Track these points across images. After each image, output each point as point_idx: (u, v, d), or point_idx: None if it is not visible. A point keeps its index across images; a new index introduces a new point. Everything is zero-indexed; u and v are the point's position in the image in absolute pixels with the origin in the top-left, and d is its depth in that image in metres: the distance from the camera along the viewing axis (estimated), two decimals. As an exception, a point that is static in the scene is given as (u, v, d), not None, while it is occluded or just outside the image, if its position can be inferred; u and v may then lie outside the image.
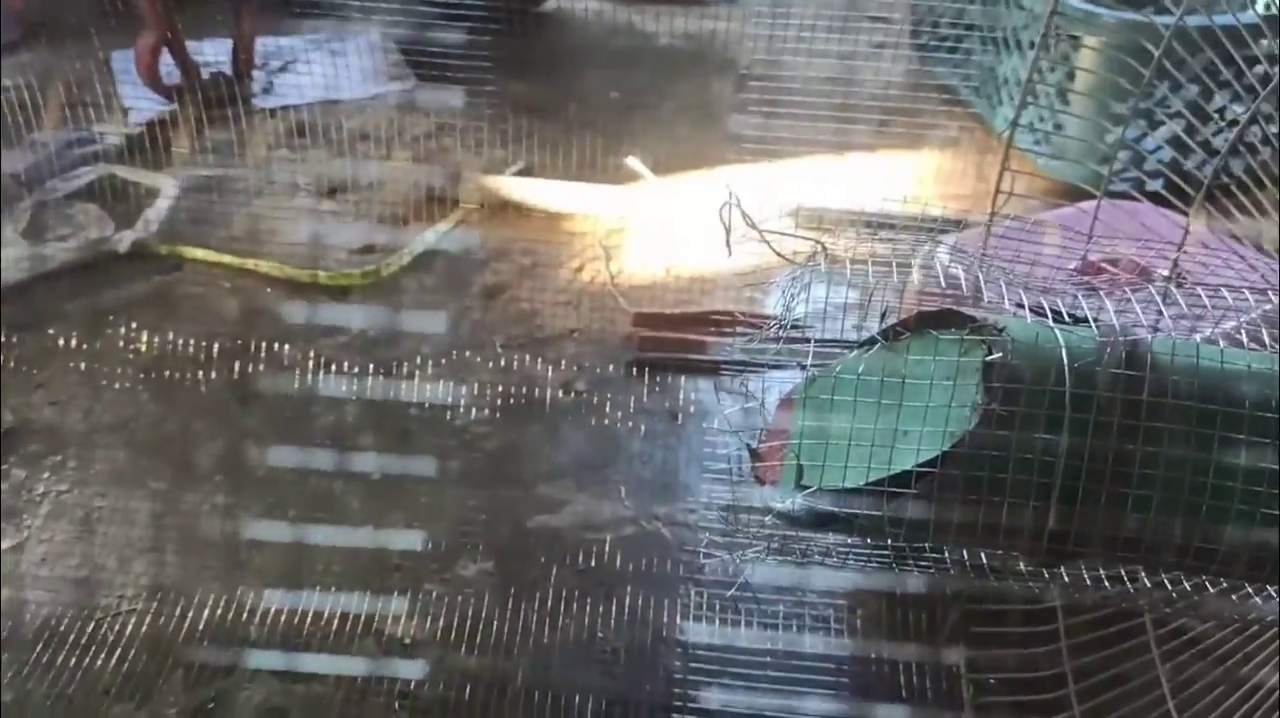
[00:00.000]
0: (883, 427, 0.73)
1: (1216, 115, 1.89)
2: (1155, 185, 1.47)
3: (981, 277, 0.96)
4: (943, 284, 1.12)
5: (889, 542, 0.78)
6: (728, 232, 0.83)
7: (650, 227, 2.13)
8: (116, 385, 1.67)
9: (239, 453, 1.56)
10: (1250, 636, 0.99)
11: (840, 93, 2.20)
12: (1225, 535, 0.68)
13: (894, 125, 2.31)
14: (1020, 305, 0.80)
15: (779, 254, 0.83)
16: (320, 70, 2.54)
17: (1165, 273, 1.12)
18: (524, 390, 1.71)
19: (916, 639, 1.28)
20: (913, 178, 2.30)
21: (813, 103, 2.08)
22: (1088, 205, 1.34)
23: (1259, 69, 1.22)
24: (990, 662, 1.21)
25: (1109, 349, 0.71)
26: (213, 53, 2.51)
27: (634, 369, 1.77)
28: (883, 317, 0.84)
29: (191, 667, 1.24)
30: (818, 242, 0.86)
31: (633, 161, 2.25)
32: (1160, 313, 0.87)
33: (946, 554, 0.84)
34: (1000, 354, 0.71)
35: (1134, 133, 2.09)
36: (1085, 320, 0.77)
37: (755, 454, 0.86)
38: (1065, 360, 0.70)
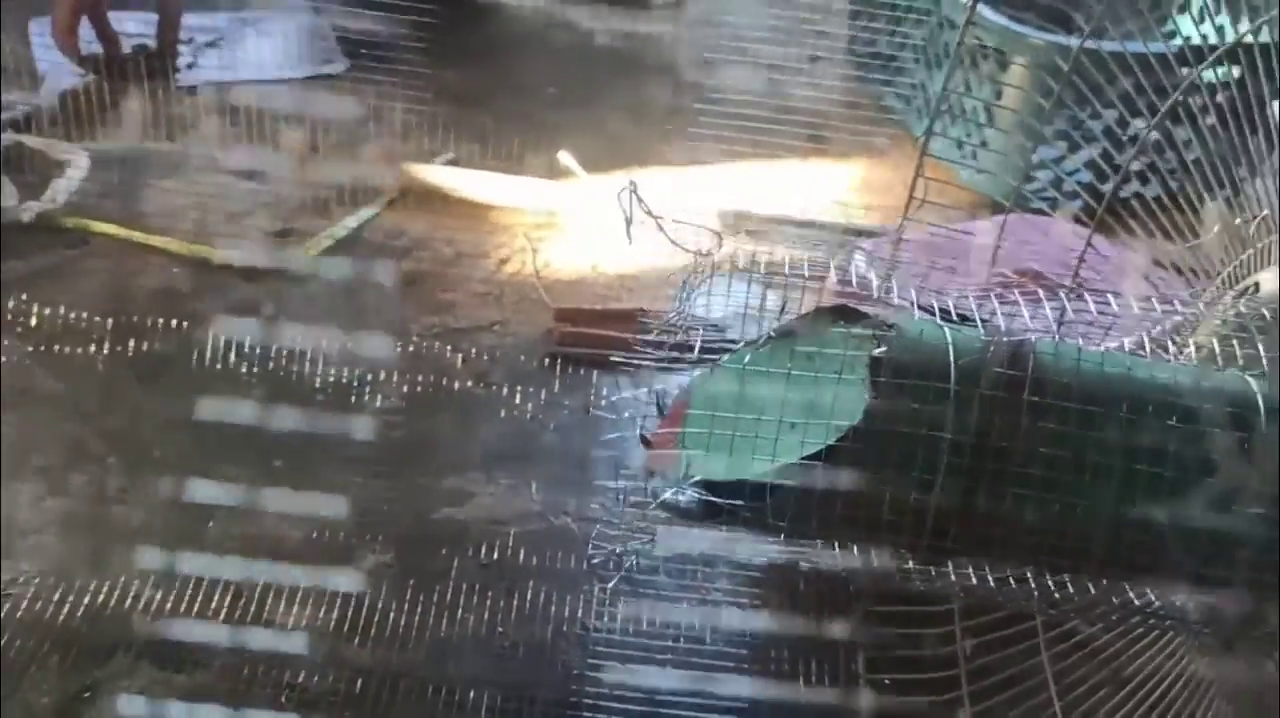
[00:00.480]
0: (770, 419, 0.73)
1: (1129, 142, 1.94)
2: (1073, 206, 1.50)
3: (890, 278, 0.96)
4: (854, 284, 1.13)
5: (777, 535, 0.77)
6: (627, 221, 0.82)
7: (578, 223, 2.12)
8: (7, 360, 1.60)
9: (135, 434, 1.51)
10: (1131, 637, 1.00)
11: (775, 103, 2.21)
12: (1099, 533, 0.69)
13: (826, 136, 2.33)
14: (913, 304, 0.80)
15: (678, 245, 0.82)
16: (248, 49, 2.48)
17: (1067, 283, 1.14)
18: (436, 381, 1.68)
19: (817, 641, 1.28)
20: (841, 187, 2.32)
21: (747, 111, 2.09)
22: (1000, 218, 1.36)
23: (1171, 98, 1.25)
24: (888, 663, 1.22)
25: (992, 348, 0.72)
26: (136, 25, 2.44)
27: (552, 364, 1.75)
28: (781, 311, 0.84)
29: (68, 654, 1.19)
30: (716, 234, 0.86)
31: (564, 157, 2.23)
32: (1059, 320, 0.88)
33: (836, 550, 0.84)
34: (885, 348, 0.71)
35: (1054, 153, 2.14)
36: (974, 322, 0.77)
37: (648, 443, 0.86)
38: (952, 357, 0.71)
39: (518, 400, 1.66)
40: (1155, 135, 1.25)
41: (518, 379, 1.72)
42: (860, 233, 1.83)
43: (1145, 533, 0.69)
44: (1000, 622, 1.14)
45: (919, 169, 1.33)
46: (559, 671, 1.24)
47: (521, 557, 1.38)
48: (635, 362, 0.96)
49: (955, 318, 0.78)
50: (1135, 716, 1.03)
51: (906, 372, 0.70)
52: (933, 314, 0.78)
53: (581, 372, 1.77)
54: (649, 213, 0.81)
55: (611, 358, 1.68)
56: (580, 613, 1.31)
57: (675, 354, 0.84)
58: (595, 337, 1.95)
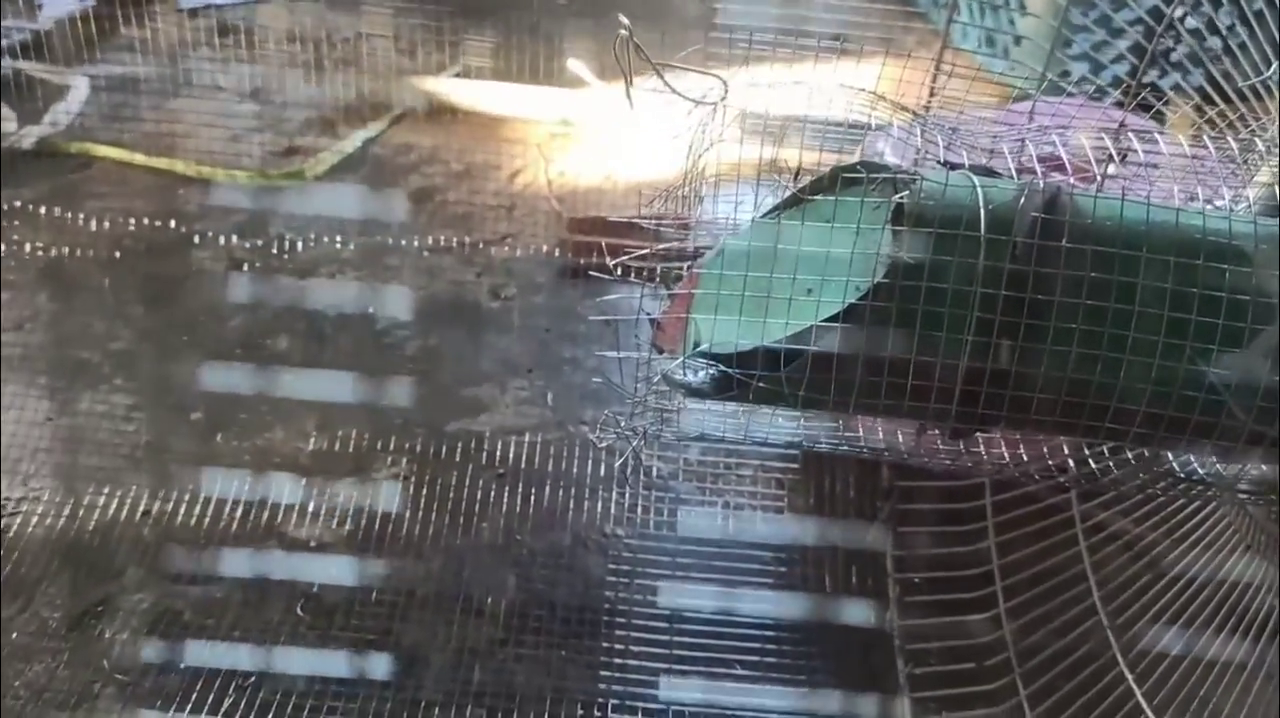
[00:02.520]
0: (788, 283, 0.67)
1: (1170, 26, 1.82)
2: (1112, 97, 1.40)
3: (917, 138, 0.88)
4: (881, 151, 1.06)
5: (789, 408, 0.72)
6: (626, 75, 0.75)
7: (591, 132, 2.04)
8: (14, 284, 1.58)
9: (141, 354, 1.48)
10: (1171, 529, 0.95)
11: (797, 3, 2.11)
12: (1144, 393, 0.63)
13: (850, 35, 2.22)
14: (940, 161, 0.74)
15: (676, 93, 0.76)
16: (247, -33, 2.40)
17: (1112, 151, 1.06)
18: (449, 295, 1.64)
19: (844, 535, 1.24)
20: (866, 88, 2.22)
21: (768, 12, 1.99)
22: (1026, 105, 1.28)
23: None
24: (917, 559, 1.17)
25: (1027, 193, 0.65)
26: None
27: (567, 274, 1.70)
28: (795, 175, 0.77)
29: (80, 569, 1.17)
30: (719, 79, 0.79)
31: (575, 65, 2.15)
32: (1103, 161, 0.81)
33: (860, 430, 0.79)
34: (909, 196, 0.64)
35: (1090, 42, 2.02)
36: (1006, 175, 0.71)
37: (657, 325, 0.80)
38: (980, 201, 0.64)
39: (532, 312, 1.62)
40: (1195, 21, 1.15)
41: (532, 291, 1.67)
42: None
43: (1195, 390, 0.63)
44: (1035, 515, 1.09)
45: (939, 60, 1.25)
46: (578, 577, 1.21)
47: (537, 465, 1.34)
48: (640, 252, 0.90)
49: (986, 171, 0.71)
50: (1174, 611, 0.98)
51: (932, 221, 0.63)
52: (960, 167, 0.71)
53: (596, 281, 1.71)
54: (647, 60, 0.75)
55: (624, 264, 1.63)
56: (599, 520, 1.28)
57: (681, 247, 0.78)
58: (610, 246, 1.89)
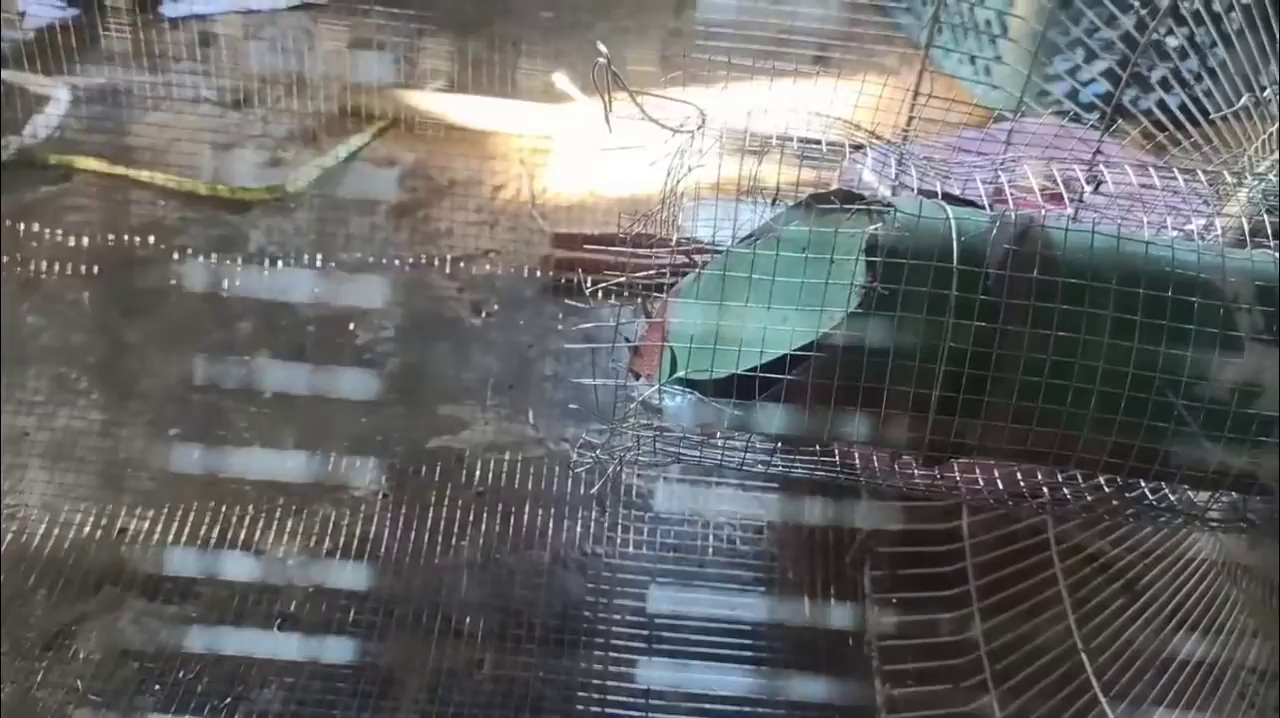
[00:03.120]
0: (763, 311, 0.67)
1: (1149, 48, 1.84)
2: (1089, 119, 1.42)
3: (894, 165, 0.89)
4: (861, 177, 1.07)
5: (765, 436, 0.72)
6: (605, 100, 0.75)
7: (575, 147, 2.05)
8: (-10, 297, 1.57)
9: (120, 369, 1.47)
10: (1144, 552, 0.96)
11: (779, 22, 2.12)
12: (1116, 426, 0.64)
13: (833, 56, 2.23)
14: (915, 189, 0.74)
15: (654, 121, 0.76)
16: (232, -22, 2.40)
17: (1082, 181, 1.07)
18: (431, 310, 1.64)
19: (822, 561, 1.24)
20: (848, 107, 2.23)
21: (752, 32, 2.00)
22: (1005, 126, 1.30)
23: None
24: (895, 582, 1.18)
25: (999, 225, 0.66)
26: (116, -43, 2.35)
27: (550, 290, 1.70)
28: (773, 200, 0.78)
29: (55, 587, 1.16)
30: (698, 109, 0.79)
31: (560, 79, 2.16)
32: (1076, 197, 0.82)
33: (837, 456, 0.79)
34: (881, 227, 0.65)
35: (1069, 64, 2.04)
36: (979, 205, 0.71)
37: (634, 351, 0.80)
38: (954, 233, 0.65)
39: (514, 328, 1.62)
40: (1174, 40, 1.16)
41: (514, 307, 1.67)
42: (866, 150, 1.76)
43: (1165, 421, 0.64)
44: (1011, 536, 1.10)
45: (918, 83, 1.26)
46: (557, 597, 1.21)
47: (518, 483, 1.34)
48: (618, 279, 0.90)
49: (960, 200, 0.71)
50: (1150, 630, 0.99)
51: (905, 252, 0.64)
52: (935, 196, 0.71)
53: (579, 298, 1.71)
54: (624, 88, 0.75)
55: (608, 281, 1.63)
56: (579, 538, 1.28)
57: (661, 266, 0.78)
58: (593, 262, 1.90)
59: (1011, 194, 0.78)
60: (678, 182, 0.80)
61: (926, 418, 0.66)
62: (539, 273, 1.73)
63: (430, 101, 2.09)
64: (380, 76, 2.20)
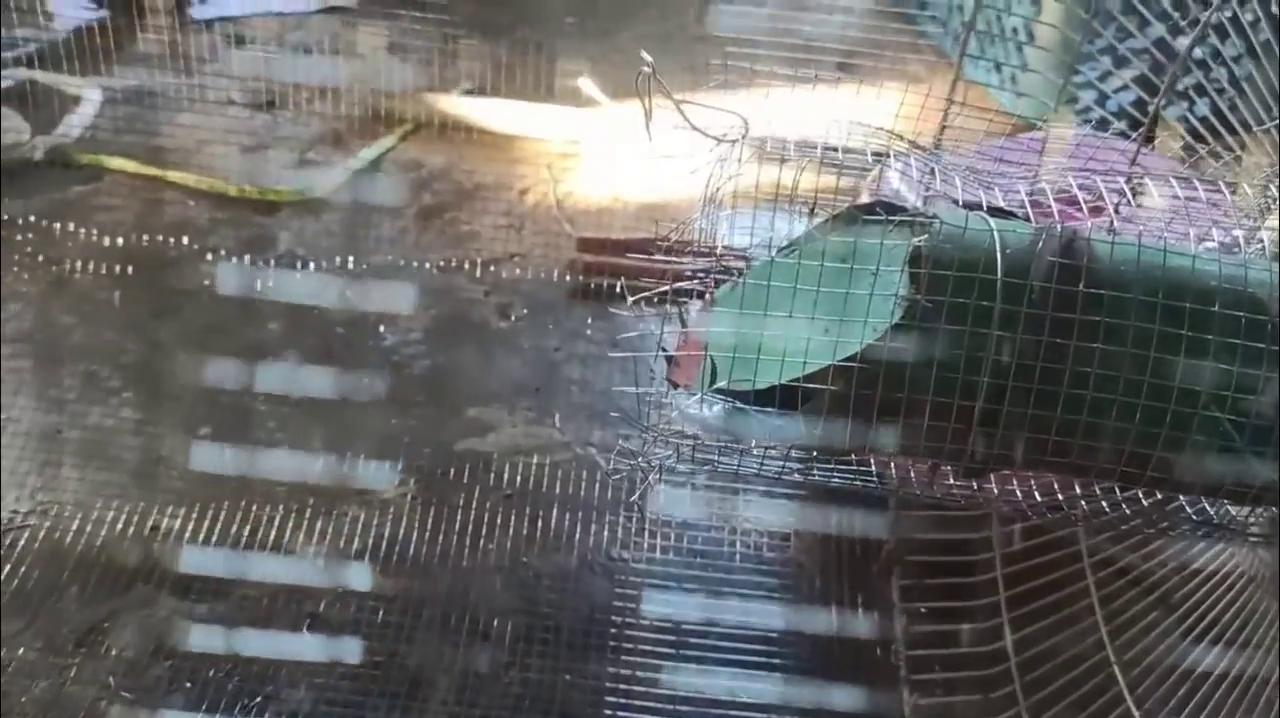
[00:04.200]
0: (802, 322, 0.67)
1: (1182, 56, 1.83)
2: (1118, 127, 1.41)
3: (929, 175, 0.89)
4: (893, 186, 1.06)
5: (806, 448, 0.72)
6: (646, 111, 0.76)
7: (600, 152, 2.05)
8: (24, 295, 1.58)
9: (151, 368, 1.48)
10: (1178, 566, 0.95)
11: (806, 30, 2.12)
12: (1161, 441, 0.64)
13: (858, 64, 2.23)
14: (956, 201, 0.74)
15: (699, 130, 0.77)
16: (261, -19, 2.42)
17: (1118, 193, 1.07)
18: (457, 313, 1.64)
19: (850, 569, 1.24)
20: (875, 115, 2.23)
21: (777, 39, 2.00)
22: (1038, 135, 1.29)
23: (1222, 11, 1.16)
24: (923, 592, 1.17)
25: (1045, 237, 0.66)
26: (148, -41, 2.37)
27: (575, 295, 1.70)
28: (812, 211, 0.78)
29: (87, 584, 1.17)
30: (741, 117, 0.80)
31: (585, 84, 2.16)
32: (1117, 206, 0.81)
33: (872, 464, 0.79)
34: (926, 238, 0.65)
35: (1097, 72, 2.03)
36: (1022, 218, 0.71)
37: (672, 360, 0.80)
38: (997, 245, 0.64)
39: (540, 332, 1.62)
40: (1200, 51, 1.16)
41: (540, 311, 1.68)
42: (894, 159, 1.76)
43: (1210, 435, 0.63)
44: (1041, 548, 1.09)
45: (951, 90, 1.26)
46: (583, 601, 1.21)
47: (545, 487, 1.34)
48: (659, 289, 0.90)
49: (1001, 212, 0.71)
50: (1185, 644, 0.98)
51: (949, 263, 0.64)
52: (979, 208, 0.71)
53: (605, 302, 1.72)
54: (669, 96, 0.75)
55: (636, 287, 1.64)
56: (606, 543, 1.28)
57: (698, 274, 0.78)
58: (619, 267, 1.90)
59: (1055, 205, 0.78)
60: (717, 189, 0.80)
61: (969, 430, 0.66)
62: (565, 277, 1.73)
63: (456, 105, 2.10)
64: (407, 80, 2.21)
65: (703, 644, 1.16)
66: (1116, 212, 0.80)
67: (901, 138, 0.82)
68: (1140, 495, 0.76)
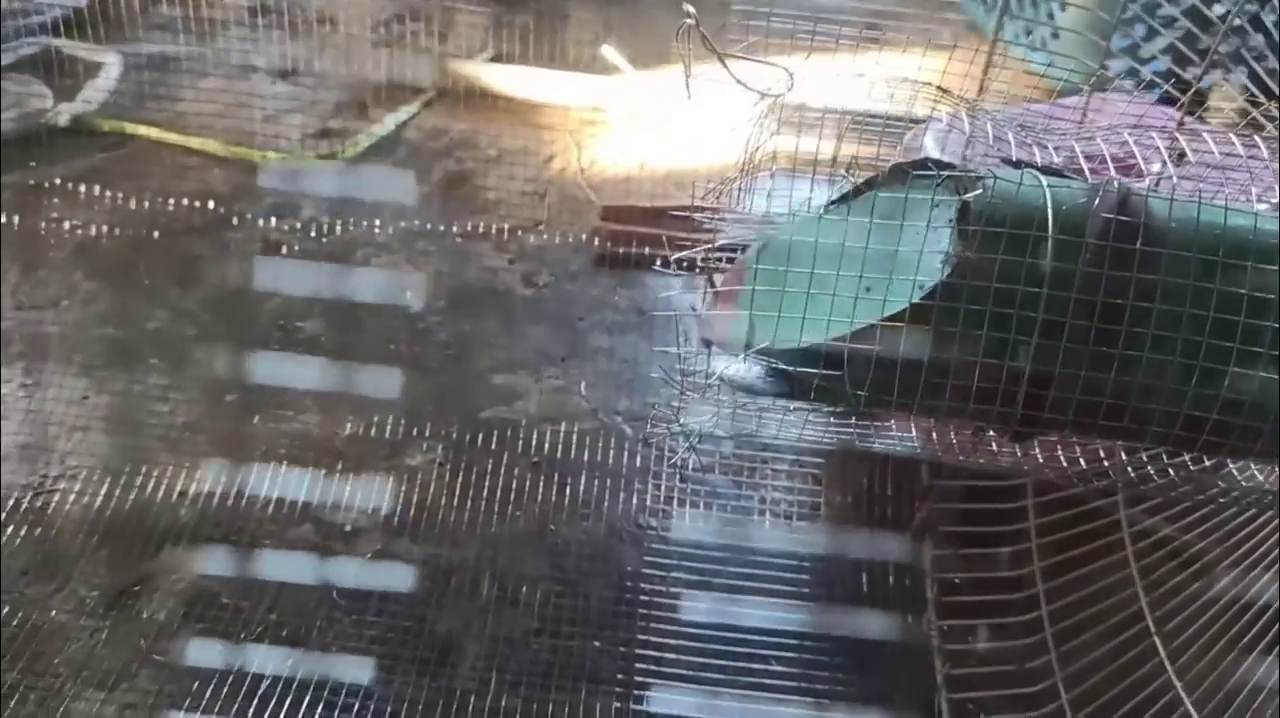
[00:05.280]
0: (843, 279, 0.65)
1: (1219, 22, 1.79)
2: (1151, 96, 1.38)
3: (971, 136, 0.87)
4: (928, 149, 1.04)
5: (848, 407, 0.71)
6: (686, 64, 0.74)
7: (625, 119, 2.03)
8: (50, 261, 1.58)
9: (176, 335, 1.48)
10: (1230, 546, 0.93)
11: (831, -5, 2.08)
12: (1218, 402, 0.62)
13: (885, 30, 2.19)
14: (1008, 160, 0.72)
15: (743, 85, 0.75)
16: (281, -53, 2.39)
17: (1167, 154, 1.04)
18: (483, 281, 1.63)
19: (881, 534, 1.23)
20: (903, 81, 2.19)
21: (800, 11, 1.96)
22: (1072, 100, 1.26)
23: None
24: (956, 561, 1.16)
25: (1100, 194, 0.64)
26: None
27: (600, 263, 1.69)
28: (847, 168, 0.76)
29: (117, 548, 1.17)
30: (786, 70, 0.77)
31: (609, 51, 2.13)
32: (1176, 159, 0.79)
33: (912, 429, 0.78)
34: (978, 194, 0.63)
35: (1130, 40, 1.99)
36: (1074, 176, 0.69)
37: (706, 321, 0.79)
38: (1049, 202, 0.63)
39: (565, 300, 1.61)
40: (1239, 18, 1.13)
41: (565, 279, 1.66)
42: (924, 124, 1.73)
43: (1270, 401, 0.62)
44: (1078, 518, 1.08)
45: (991, 53, 1.23)
46: (612, 568, 1.20)
47: (573, 455, 1.33)
48: (702, 248, 0.88)
49: (1053, 170, 0.69)
50: (1224, 621, 0.96)
51: (1000, 221, 0.62)
52: (1028, 166, 0.69)
53: (637, 274, 1.70)
54: (713, 50, 0.73)
55: (660, 256, 1.62)
56: (635, 510, 1.27)
57: (728, 243, 0.77)
58: (643, 235, 1.89)
59: (1112, 165, 0.75)
60: (756, 149, 0.78)
61: (1018, 392, 0.64)
62: (590, 245, 1.72)
63: (480, 72, 2.08)
64: (431, 47, 2.19)
65: (733, 613, 1.16)
66: (1163, 171, 0.78)
67: (951, 93, 0.80)
68: (1188, 462, 0.75)
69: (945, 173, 0.68)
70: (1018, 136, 0.76)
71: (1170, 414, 0.64)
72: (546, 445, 1.34)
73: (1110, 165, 0.70)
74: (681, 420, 0.74)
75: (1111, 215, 0.63)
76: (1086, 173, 0.69)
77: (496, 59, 2.17)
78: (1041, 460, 0.77)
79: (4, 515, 1.19)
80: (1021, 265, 0.63)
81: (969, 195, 0.64)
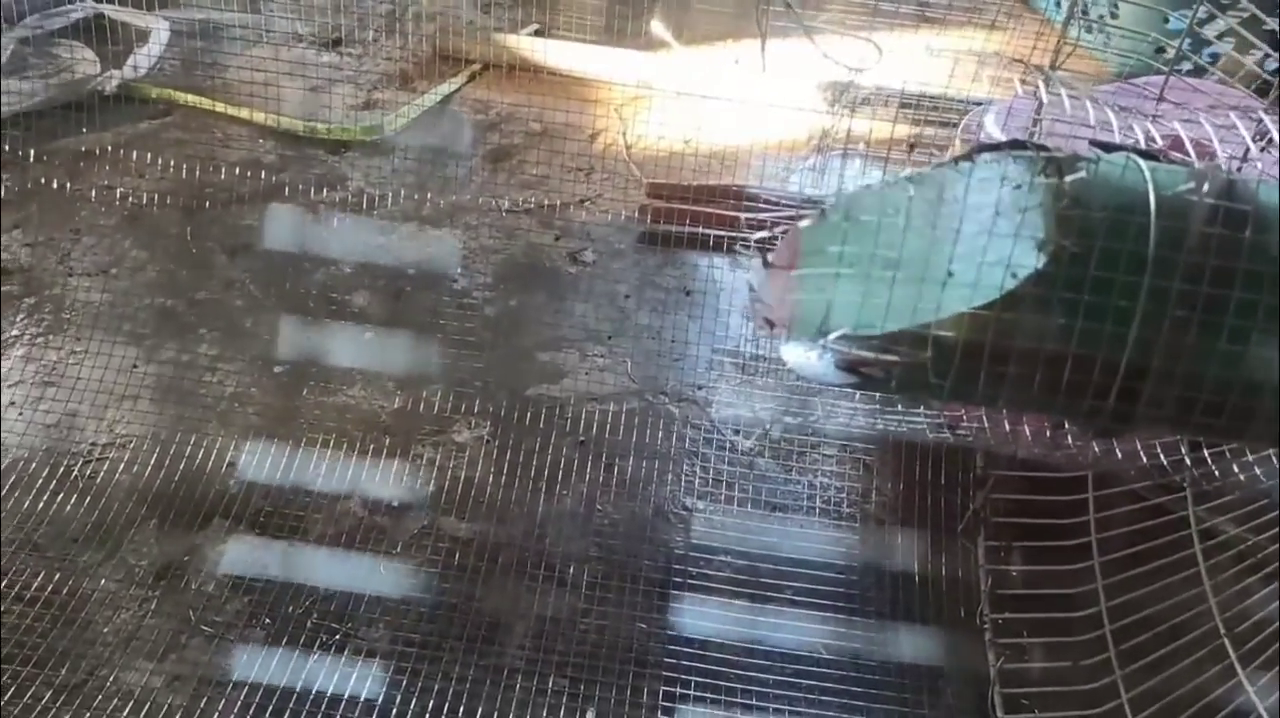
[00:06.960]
0: (921, 262, 0.63)
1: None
2: (1213, 80, 1.34)
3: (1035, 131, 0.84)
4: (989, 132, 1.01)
5: (931, 398, 0.68)
6: (763, 36, 0.71)
7: (671, 96, 2.00)
8: (99, 228, 1.58)
9: (225, 305, 1.47)
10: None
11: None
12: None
13: (936, 6, 2.14)
14: (1102, 144, 0.69)
15: (831, 59, 0.72)
16: (326, -84, 2.37)
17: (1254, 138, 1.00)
18: (528, 257, 1.62)
19: (933, 529, 1.21)
20: (954, 60, 2.15)
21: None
22: (1141, 81, 1.22)
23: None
24: (1010, 554, 1.14)
25: (1206, 180, 0.61)
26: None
27: (646, 241, 1.67)
28: (911, 148, 0.73)
29: (166, 518, 1.17)
30: (870, 42, 0.75)
31: (657, 27, 2.10)
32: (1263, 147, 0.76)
33: (984, 419, 0.75)
34: (1080, 176, 0.60)
35: (1184, 23, 1.94)
36: (1171, 160, 0.66)
37: (763, 302, 0.76)
38: (1152, 187, 0.60)
39: (611, 278, 1.59)
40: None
41: (611, 257, 1.64)
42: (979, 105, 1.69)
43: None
44: (1139, 514, 1.05)
45: (1063, 33, 1.20)
46: (659, 550, 1.19)
47: (621, 434, 1.32)
48: (777, 229, 0.86)
49: (1146, 154, 0.66)
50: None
51: (1099, 205, 0.59)
52: (1115, 149, 0.66)
53: (682, 253, 1.68)
54: (800, 24, 0.71)
55: (709, 235, 1.59)
56: (681, 492, 1.26)
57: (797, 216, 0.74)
58: (690, 213, 1.86)
59: (1219, 148, 0.72)
60: (833, 126, 0.76)
61: (1111, 387, 0.62)
62: (636, 222, 1.69)
63: (524, 46, 2.05)
64: (476, 19, 2.16)
65: (779, 597, 1.14)
66: (1244, 155, 0.74)
67: (1039, 69, 0.77)
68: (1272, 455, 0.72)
69: (1043, 154, 0.65)
70: (1116, 117, 0.73)
71: (1274, 412, 0.61)
72: (593, 425, 1.33)
73: (1219, 150, 0.67)
74: (733, 404, 0.72)
75: (1218, 202, 0.60)
76: (1193, 154, 0.66)
77: (540, 33, 2.14)
78: (1121, 457, 0.75)
79: (55, 484, 1.19)
80: (1121, 253, 0.60)
81: (1071, 178, 0.61)
